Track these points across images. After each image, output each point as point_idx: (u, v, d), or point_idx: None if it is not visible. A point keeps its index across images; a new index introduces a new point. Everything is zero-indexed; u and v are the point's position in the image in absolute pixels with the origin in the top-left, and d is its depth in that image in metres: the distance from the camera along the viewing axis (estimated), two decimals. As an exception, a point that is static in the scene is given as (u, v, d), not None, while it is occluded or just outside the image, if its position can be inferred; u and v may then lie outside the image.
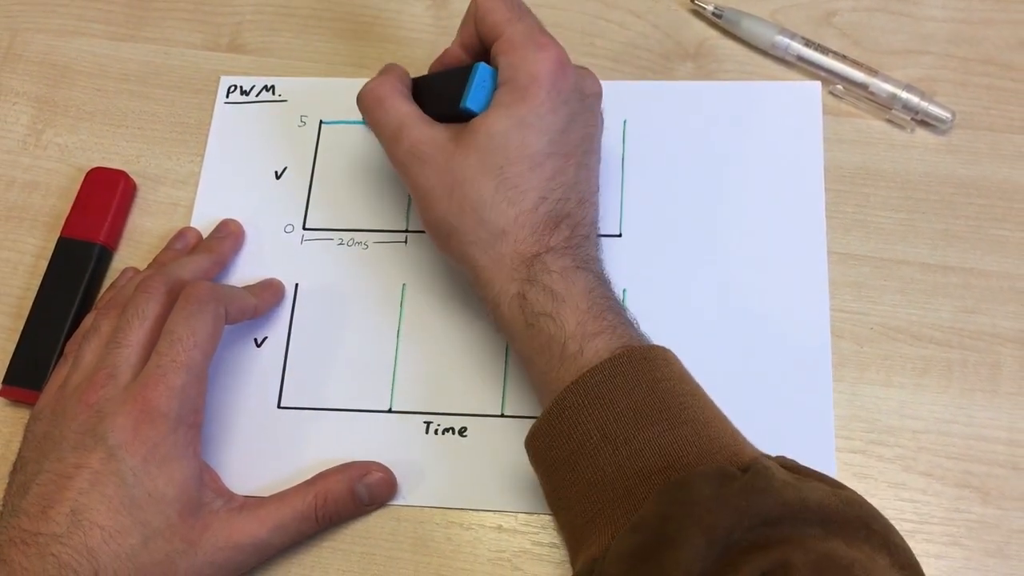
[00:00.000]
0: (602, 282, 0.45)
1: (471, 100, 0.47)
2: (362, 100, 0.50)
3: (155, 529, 0.43)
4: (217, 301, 0.48)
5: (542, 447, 0.43)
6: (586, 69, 0.50)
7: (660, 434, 0.40)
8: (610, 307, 0.44)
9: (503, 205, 0.45)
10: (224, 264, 0.54)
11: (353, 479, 0.48)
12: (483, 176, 0.45)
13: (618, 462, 0.40)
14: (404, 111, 0.48)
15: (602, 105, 0.50)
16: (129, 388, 0.45)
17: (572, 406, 0.41)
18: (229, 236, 0.55)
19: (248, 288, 0.53)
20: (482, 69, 0.47)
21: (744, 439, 0.42)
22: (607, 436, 0.40)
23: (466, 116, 0.47)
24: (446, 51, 0.51)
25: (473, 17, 0.48)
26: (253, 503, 0.47)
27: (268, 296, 0.53)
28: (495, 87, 0.47)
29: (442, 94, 0.49)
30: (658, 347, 0.43)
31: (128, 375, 0.46)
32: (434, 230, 0.48)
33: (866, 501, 0.39)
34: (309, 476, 0.49)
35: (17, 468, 0.46)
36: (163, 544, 0.44)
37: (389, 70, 0.51)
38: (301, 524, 0.47)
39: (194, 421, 0.46)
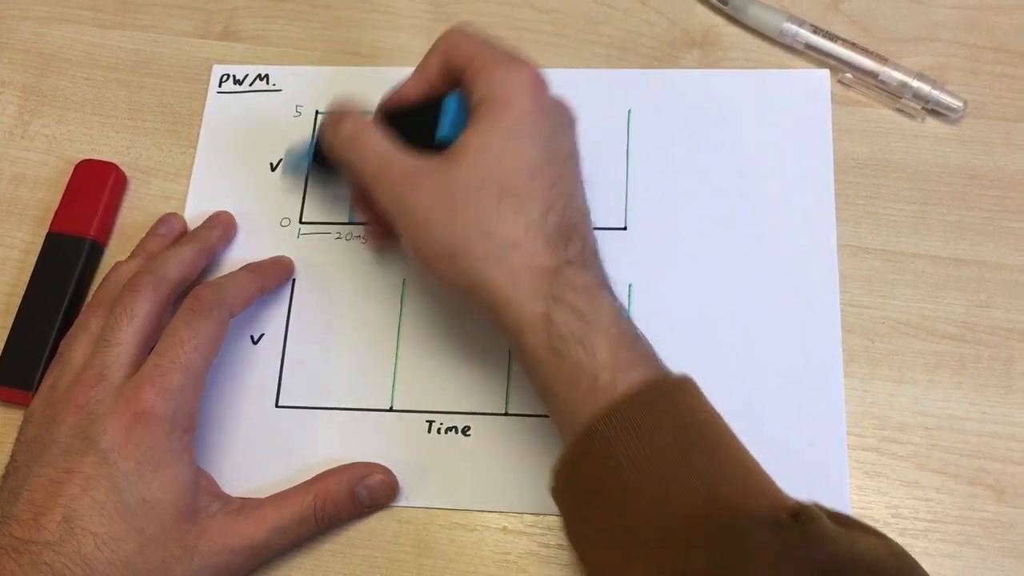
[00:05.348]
0: (622, 305, 0.42)
1: (449, 130, 0.45)
2: (337, 138, 0.47)
3: (150, 535, 0.42)
4: (222, 306, 0.47)
5: (569, 477, 0.41)
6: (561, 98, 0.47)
7: (704, 471, 0.38)
8: (637, 335, 0.42)
9: (510, 214, 0.42)
10: (211, 254, 0.53)
11: (354, 481, 0.47)
12: (482, 190, 0.43)
13: (658, 499, 0.37)
14: (385, 146, 0.45)
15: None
16: (122, 389, 0.44)
17: (605, 437, 0.39)
18: (218, 226, 0.54)
19: (255, 266, 0.52)
20: (453, 99, 0.45)
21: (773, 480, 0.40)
22: (644, 471, 0.38)
23: (443, 148, 0.45)
24: (403, 86, 0.49)
25: (440, 52, 0.47)
26: (251, 505, 0.46)
27: (275, 274, 0.52)
28: (467, 115, 0.45)
29: (413, 130, 0.46)
30: (689, 379, 0.41)
31: (119, 375, 0.45)
32: (436, 257, 0.44)
33: (908, 553, 0.37)
34: (308, 477, 0.48)
35: (9, 473, 0.45)
36: (158, 550, 0.43)
37: (349, 106, 0.48)
38: (300, 526, 0.46)
39: (189, 425, 0.45)
